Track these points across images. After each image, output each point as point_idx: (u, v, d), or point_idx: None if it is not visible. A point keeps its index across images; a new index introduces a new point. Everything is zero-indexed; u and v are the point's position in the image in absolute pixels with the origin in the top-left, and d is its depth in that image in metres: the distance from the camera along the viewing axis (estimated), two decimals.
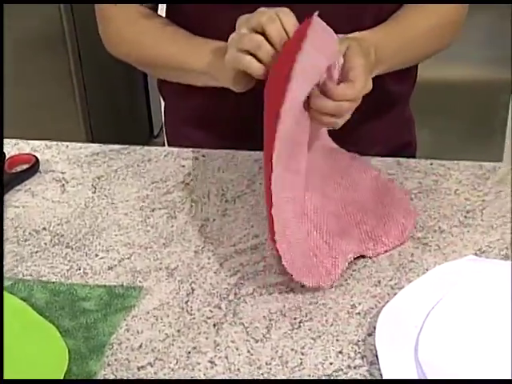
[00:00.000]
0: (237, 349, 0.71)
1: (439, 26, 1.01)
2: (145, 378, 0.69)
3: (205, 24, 0.98)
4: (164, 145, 1.18)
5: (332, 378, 0.68)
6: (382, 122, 1.09)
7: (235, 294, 0.78)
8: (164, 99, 1.18)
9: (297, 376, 0.68)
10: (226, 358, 0.70)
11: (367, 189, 0.90)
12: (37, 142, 1.07)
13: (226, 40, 0.86)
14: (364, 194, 0.89)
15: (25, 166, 1.00)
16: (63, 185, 0.98)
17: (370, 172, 0.92)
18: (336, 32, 0.82)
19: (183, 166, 1.00)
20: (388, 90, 1.06)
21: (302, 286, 0.78)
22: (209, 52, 0.91)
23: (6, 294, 0.76)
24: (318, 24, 0.79)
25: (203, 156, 1.01)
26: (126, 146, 1.05)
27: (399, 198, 0.89)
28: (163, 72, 1.04)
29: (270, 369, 0.69)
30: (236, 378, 0.68)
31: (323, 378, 0.68)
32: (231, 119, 1.05)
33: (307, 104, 0.80)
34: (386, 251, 0.82)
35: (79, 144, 1.07)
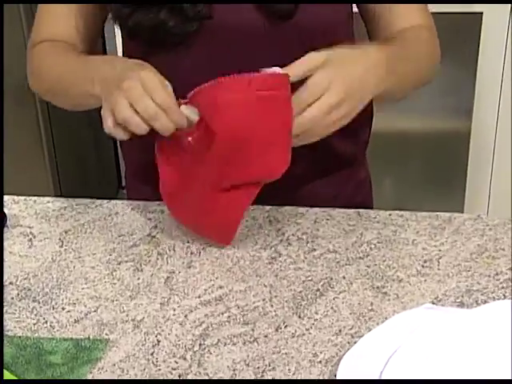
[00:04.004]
0: None
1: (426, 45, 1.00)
2: None
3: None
4: None
5: None
6: (332, 182, 1.10)
7: (200, 344, 0.79)
8: (123, 154, 1.19)
9: None
10: None
11: None
12: (4, 197, 1.08)
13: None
14: None
15: None
16: (30, 239, 0.99)
17: None
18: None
19: (149, 220, 1.02)
20: (335, 150, 1.07)
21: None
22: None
23: None
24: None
25: (169, 209, 1.03)
26: (93, 199, 1.07)
27: None
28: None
29: None
30: None
31: None
32: None
33: None
34: None
35: (47, 198, 1.08)
